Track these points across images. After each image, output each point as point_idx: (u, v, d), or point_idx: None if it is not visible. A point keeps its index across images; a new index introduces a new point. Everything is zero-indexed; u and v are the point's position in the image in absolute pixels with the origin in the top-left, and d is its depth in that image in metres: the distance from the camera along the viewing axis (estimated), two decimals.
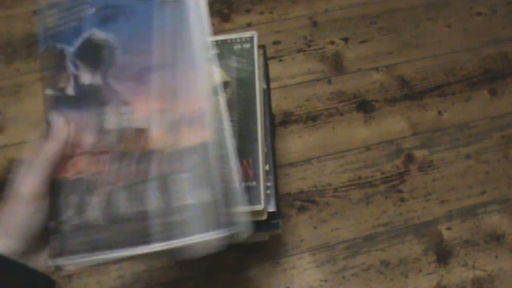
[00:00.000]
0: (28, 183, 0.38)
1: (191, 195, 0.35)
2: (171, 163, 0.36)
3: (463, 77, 0.76)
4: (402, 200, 0.67)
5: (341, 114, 0.73)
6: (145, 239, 0.36)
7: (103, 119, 0.39)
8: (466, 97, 0.74)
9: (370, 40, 0.78)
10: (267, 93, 0.52)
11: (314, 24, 0.80)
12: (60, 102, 0.40)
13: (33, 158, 0.38)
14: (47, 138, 0.39)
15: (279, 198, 0.52)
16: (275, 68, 0.75)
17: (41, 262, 0.39)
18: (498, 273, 0.62)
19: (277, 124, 0.72)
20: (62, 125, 0.39)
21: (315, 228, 0.65)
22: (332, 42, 0.78)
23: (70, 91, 0.40)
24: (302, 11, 0.81)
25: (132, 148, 0.37)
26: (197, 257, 0.36)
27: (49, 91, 0.41)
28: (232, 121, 0.45)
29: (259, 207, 0.44)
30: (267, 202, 0.47)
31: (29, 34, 0.79)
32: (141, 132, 0.37)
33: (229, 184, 0.36)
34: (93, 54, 0.40)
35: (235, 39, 0.49)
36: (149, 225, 0.36)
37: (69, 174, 0.39)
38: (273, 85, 0.72)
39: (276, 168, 0.50)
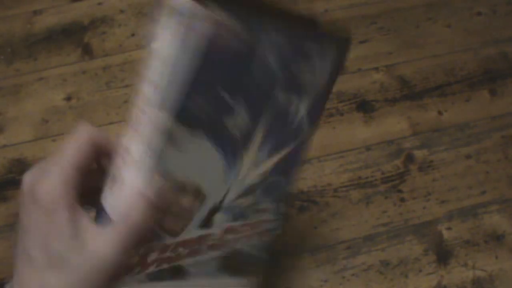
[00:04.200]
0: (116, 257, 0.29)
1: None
2: None
3: (463, 77, 0.76)
4: (402, 200, 0.67)
5: (341, 114, 0.73)
6: None
7: None
8: (466, 97, 0.74)
9: (370, 40, 0.78)
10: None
11: None
12: None
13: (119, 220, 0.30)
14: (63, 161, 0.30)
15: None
16: None
17: None
18: (498, 273, 0.62)
19: None
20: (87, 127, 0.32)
21: (315, 228, 0.65)
22: None
23: None
24: (302, 11, 0.81)
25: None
26: None
27: None
28: None
29: None
30: None
31: (29, 34, 0.79)
32: None
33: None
34: None
35: None
36: None
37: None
38: None
39: None
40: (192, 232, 0.36)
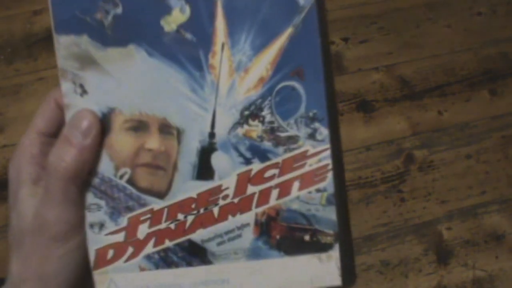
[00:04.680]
0: (49, 214, 0.26)
1: None
2: None
3: (463, 77, 0.76)
4: (402, 200, 0.67)
5: (341, 114, 0.73)
6: None
7: None
8: (466, 97, 0.74)
9: (370, 40, 0.78)
10: None
11: None
12: None
13: (47, 175, 0.26)
14: (64, 139, 0.27)
15: None
16: None
17: None
18: (498, 273, 0.62)
19: None
20: (92, 119, 0.27)
21: None
22: (332, 42, 0.78)
23: None
24: None
25: None
26: None
27: None
28: None
29: None
30: None
31: (29, 34, 0.79)
32: None
33: None
34: None
35: None
36: None
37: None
38: None
39: None
40: (186, 187, 0.27)
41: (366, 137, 0.71)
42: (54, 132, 0.28)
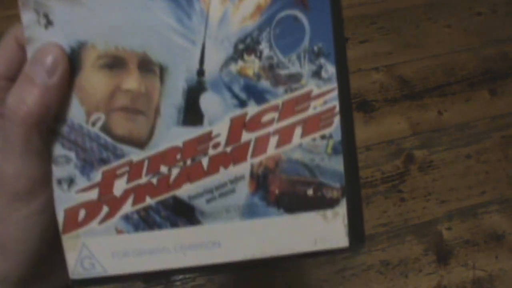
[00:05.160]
0: (8, 169, 0.22)
1: None
2: None
3: (463, 77, 0.76)
4: (402, 200, 0.67)
5: None
6: None
7: None
8: (466, 97, 0.74)
9: (370, 40, 0.78)
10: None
11: None
12: None
13: (5, 121, 0.22)
14: (23, 78, 0.22)
15: None
16: None
17: None
18: (498, 273, 0.62)
19: None
20: (59, 54, 0.22)
21: None
22: None
23: None
24: None
25: None
26: None
27: None
28: None
29: None
30: None
31: None
32: None
33: None
34: None
35: None
36: None
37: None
38: None
39: None
40: (171, 135, 0.24)
41: (366, 137, 0.71)
42: (15, 76, 0.23)
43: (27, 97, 0.21)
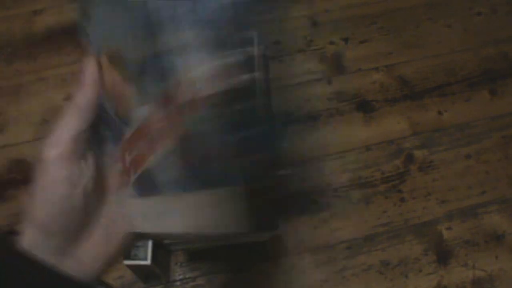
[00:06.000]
0: (58, 143, 0.28)
1: None
2: None
3: (463, 77, 0.76)
4: (402, 200, 0.67)
5: (341, 114, 0.72)
6: None
7: None
8: (466, 97, 0.74)
9: (370, 40, 0.78)
10: (267, 92, 0.52)
11: (314, 24, 0.80)
12: None
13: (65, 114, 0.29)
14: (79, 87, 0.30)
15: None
16: (275, 68, 0.76)
17: (85, 262, 0.27)
18: (498, 273, 0.62)
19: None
20: (93, 65, 0.29)
21: (315, 228, 0.65)
22: (332, 42, 0.78)
23: None
24: (302, 11, 0.81)
25: None
26: None
27: None
28: None
29: None
30: None
31: (29, 34, 0.79)
32: None
33: None
34: None
35: None
36: None
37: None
38: (273, 85, 0.72)
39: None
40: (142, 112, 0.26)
41: (366, 137, 0.71)
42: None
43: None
